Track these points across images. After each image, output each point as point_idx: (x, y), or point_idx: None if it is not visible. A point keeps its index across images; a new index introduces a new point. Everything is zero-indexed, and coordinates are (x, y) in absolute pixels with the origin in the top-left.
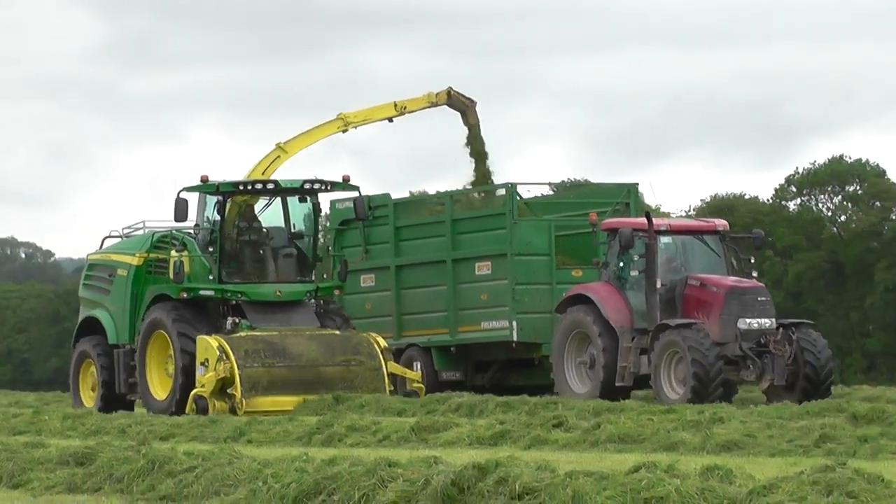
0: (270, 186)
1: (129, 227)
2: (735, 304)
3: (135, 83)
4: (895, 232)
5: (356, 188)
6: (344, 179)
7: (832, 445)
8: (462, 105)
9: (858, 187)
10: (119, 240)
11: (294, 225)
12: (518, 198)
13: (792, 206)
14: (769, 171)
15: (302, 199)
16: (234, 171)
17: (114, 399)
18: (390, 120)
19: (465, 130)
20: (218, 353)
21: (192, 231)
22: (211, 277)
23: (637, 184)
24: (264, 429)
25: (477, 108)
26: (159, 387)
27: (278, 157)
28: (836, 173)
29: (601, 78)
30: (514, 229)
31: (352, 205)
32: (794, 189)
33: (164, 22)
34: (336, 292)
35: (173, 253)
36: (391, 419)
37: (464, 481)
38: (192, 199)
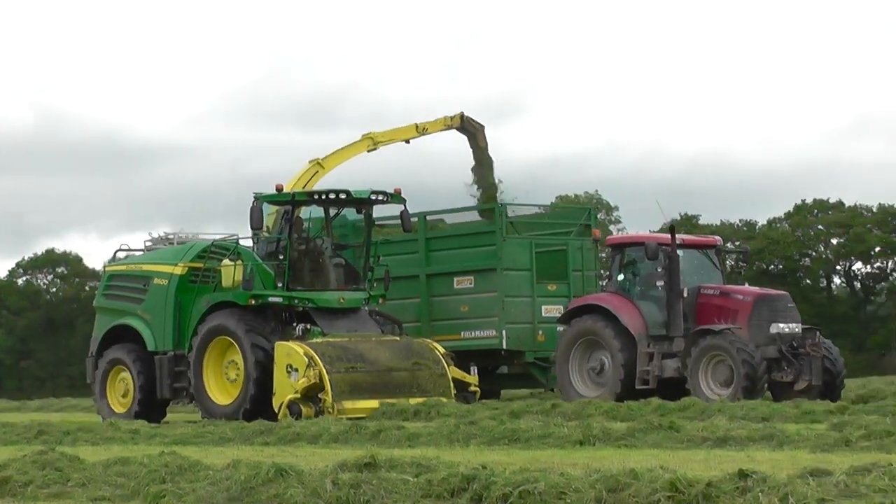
0: (343, 196)
1: (150, 240)
2: (766, 311)
3: None
4: None
5: (404, 201)
6: (396, 192)
7: (46, 437)
8: (473, 129)
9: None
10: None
11: (335, 235)
12: (506, 217)
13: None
14: None
15: (359, 211)
16: None
17: (151, 404)
18: (407, 141)
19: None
20: (306, 359)
21: (236, 240)
22: (279, 285)
23: (593, 207)
24: None
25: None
26: (218, 391)
27: (317, 172)
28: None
29: None
30: (504, 246)
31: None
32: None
33: None
34: (380, 300)
35: (226, 262)
36: None
37: None
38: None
